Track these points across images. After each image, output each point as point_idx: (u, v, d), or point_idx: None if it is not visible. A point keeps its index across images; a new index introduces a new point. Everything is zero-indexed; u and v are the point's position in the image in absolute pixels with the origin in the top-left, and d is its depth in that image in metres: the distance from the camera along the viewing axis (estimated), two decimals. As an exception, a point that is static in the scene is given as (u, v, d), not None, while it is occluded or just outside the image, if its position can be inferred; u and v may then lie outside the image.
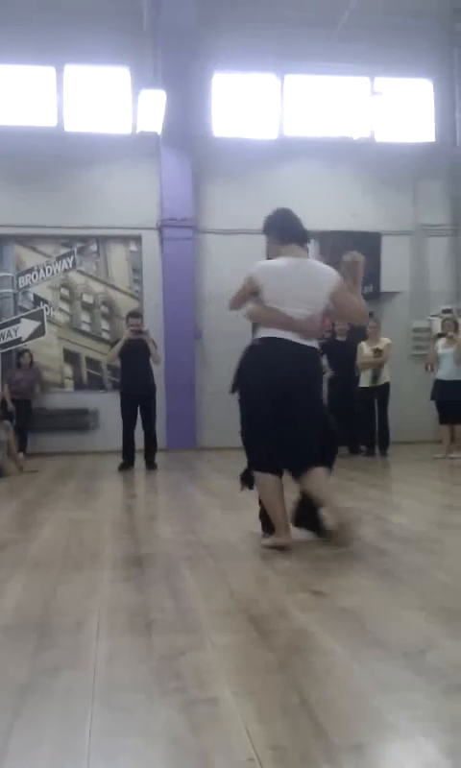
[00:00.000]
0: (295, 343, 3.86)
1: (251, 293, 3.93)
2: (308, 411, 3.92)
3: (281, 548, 3.89)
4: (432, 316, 12.05)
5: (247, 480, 4.13)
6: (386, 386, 9.92)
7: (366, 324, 9.40)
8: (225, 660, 2.35)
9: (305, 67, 12.10)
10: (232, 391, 4.01)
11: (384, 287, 12.03)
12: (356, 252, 4.12)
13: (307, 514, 4.04)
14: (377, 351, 9.85)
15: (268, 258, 4.07)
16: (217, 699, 2.03)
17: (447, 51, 12.43)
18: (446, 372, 9.39)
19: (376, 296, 11.98)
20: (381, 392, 9.91)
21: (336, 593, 3.08)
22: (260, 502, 4.10)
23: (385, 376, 9.92)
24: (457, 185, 12.37)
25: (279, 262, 3.95)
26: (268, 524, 4.06)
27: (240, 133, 12.03)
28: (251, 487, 4.11)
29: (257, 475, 3.99)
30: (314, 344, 4.00)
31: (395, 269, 12.04)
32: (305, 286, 3.90)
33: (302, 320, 3.87)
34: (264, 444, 3.95)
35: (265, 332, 3.92)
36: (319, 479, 3.86)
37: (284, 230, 4.03)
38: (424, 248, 12.28)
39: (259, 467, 3.98)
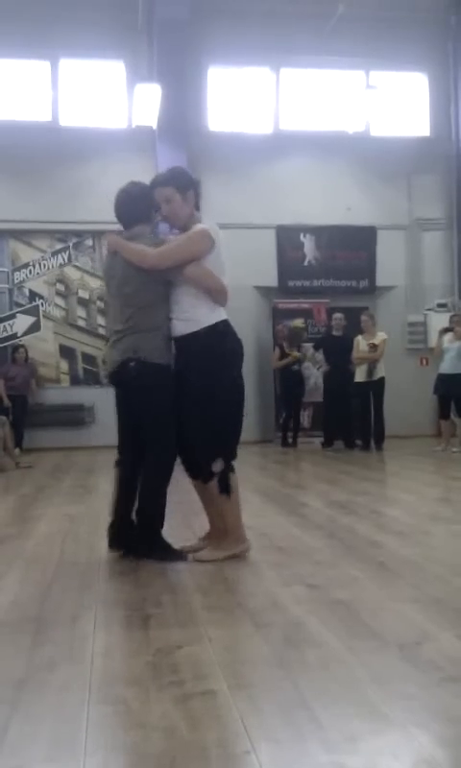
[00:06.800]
0: None
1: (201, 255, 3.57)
2: None
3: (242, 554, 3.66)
4: (427, 310, 12.07)
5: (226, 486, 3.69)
6: (381, 381, 9.91)
7: None
8: (221, 653, 2.36)
9: (300, 61, 12.05)
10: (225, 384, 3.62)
11: (379, 281, 12.02)
12: None
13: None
14: (373, 346, 9.85)
15: (175, 214, 3.69)
16: (213, 692, 2.04)
17: (442, 44, 12.39)
18: (449, 365, 9.41)
19: (371, 290, 11.99)
20: (376, 386, 9.90)
21: (331, 586, 3.09)
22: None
23: (380, 371, 9.90)
24: (452, 179, 12.35)
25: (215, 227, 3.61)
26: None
27: (235, 127, 11.97)
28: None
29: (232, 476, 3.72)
30: None
31: (390, 263, 12.02)
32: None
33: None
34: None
35: (220, 313, 3.65)
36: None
37: (197, 195, 3.72)
38: (419, 242, 12.26)
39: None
